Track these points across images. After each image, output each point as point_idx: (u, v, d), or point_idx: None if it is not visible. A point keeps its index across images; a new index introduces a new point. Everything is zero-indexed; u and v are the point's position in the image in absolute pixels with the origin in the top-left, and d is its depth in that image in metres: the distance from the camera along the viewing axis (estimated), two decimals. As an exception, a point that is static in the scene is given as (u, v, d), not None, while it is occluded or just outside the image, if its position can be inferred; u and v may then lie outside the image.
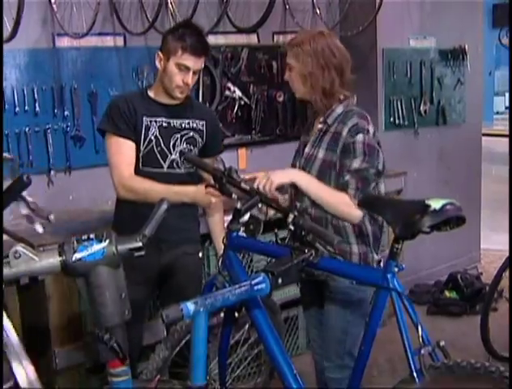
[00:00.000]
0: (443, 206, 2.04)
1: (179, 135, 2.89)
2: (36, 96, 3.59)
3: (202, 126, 2.95)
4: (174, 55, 2.76)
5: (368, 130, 2.55)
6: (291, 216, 2.33)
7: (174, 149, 2.87)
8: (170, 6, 3.96)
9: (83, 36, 3.65)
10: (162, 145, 2.85)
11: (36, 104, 3.60)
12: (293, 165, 2.77)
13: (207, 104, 4.25)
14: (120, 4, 3.85)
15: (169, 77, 2.79)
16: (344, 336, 2.67)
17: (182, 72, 2.78)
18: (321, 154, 2.61)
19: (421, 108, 5.08)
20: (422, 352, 2.04)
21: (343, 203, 2.52)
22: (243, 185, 2.56)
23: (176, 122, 2.88)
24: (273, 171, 2.58)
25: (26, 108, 3.57)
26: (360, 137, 2.51)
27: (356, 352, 2.41)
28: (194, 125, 2.93)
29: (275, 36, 4.60)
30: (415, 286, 5.03)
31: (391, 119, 4.91)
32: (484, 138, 5.89)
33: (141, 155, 2.84)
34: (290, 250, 2.17)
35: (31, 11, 3.47)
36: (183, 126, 2.90)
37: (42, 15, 3.64)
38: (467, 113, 5.44)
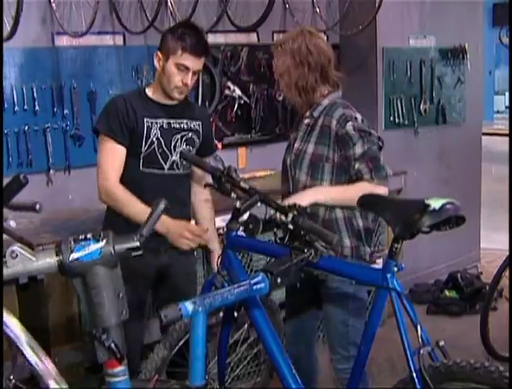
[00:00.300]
0: (443, 205, 2.04)
1: (179, 136, 2.86)
2: (35, 94, 3.60)
3: (199, 126, 2.93)
4: (174, 55, 2.72)
5: (355, 117, 2.63)
6: (290, 216, 2.33)
7: (175, 150, 2.84)
8: (170, 4, 3.95)
9: (83, 35, 3.65)
10: (164, 146, 2.82)
11: (36, 103, 3.60)
12: (284, 161, 2.83)
13: (207, 104, 4.25)
14: (119, 3, 3.85)
15: (168, 77, 2.75)
16: (346, 328, 2.72)
17: (182, 72, 2.73)
18: (310, 148, 2.69)
19: (421, 107, 5.07)
20: (421, 352, 2.03)
21: (365, 192, 2.48)
22: (242, 184, 2.55)
23: (175, 123, 2.85)
24: (287, 199, 2.60)
25: (25, 107, 3.58)
26: (349, 125, 2.59)
27: (360, 341, 2.44)
28: (192, 125, 2.91)
29: (275, 35, 4.59)
30: (414, 285, 5.02)
31: (391, 118, 4.90)
32: (484, 137, 5.88)
33: (142, 156, 2.79)
34: (289, 249, 2.16)
35: (30, 10, 3.47)
36: (182, 126, 2.88)
37: (41, 14, 3.64)
38: (467, 112, 5.43)
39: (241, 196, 2.54)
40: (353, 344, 2.67)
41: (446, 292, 4.86)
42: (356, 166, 2.59)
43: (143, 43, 3.98)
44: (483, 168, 5.78)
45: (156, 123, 2.80)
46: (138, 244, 1.53)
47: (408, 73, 4.97)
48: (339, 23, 4.59)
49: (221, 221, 3.35)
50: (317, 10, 4.65)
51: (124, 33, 3.89)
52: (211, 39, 4.23)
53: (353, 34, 4.45)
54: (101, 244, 1.47)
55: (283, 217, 2.33)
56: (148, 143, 2.78)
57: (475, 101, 5.51)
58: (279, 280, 1.96)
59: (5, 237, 2.88)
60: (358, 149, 2.58)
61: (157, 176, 2.82)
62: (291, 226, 2.32)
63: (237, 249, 2.60)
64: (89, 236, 1.49)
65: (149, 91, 2.86)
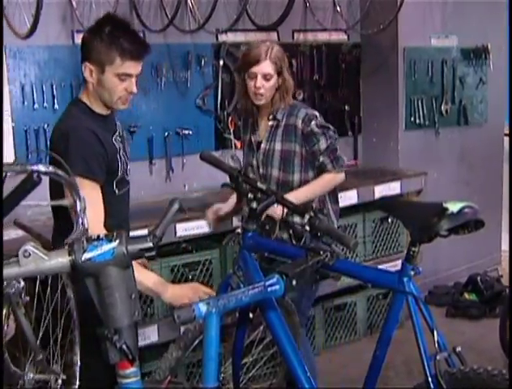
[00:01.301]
0: (461, 209, 2.01)
1: (126, 142, 2.70)
2: (54, 92, 3.61)
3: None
4: (111, 65, 2.41)
5: (316, 116, 3.02)
6: (307, 217, 2.31)
7: (128, 156, 2.65)
8: (190, 2, 3.94)
9: (103, 33, 3.65)
10: (126, 159, 2.61)
11: (55, 101, 3.61)
12: (250, 163, 3.13)
13: (226, 102, 4.23)
14: (139, 1, 3.85)
15: (109, 90, 2.45)
16: (301, 297, 2.95)
17: (124, 81, 2.44)
18: (278, 146, 3.03)
19: (442, 107, 5.01)
20: (438, 357, 2.01)
21: (328, 181, 3.02)
22: (259, 184, 2.55)
23: (120, 130, 2.65)
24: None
25: (45, 104, 3.59)
26: (313, 123, 2.98)
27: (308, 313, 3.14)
28: (119, 124, 2.70)
29: (295, 34, 4.58)
30: (434, 287, 4.97)
31: (412, 118, 4.85)
32: (506, 138, 5.81)
33: (116, 180, 2.53)
34: (305, 251, 2.14)
35: (50, 8, 3.48)
36: (121, 130, 2.67)
37: (62, 12, 3.66)
38: (489, 113, 5.36)
39: (258, 196, 2.53)
40: (302, 313, 3.01)
41: (466, 295, 4.81)
42: (321, 159, 2.98)
43: (163, 41, 3.98)
44: (505, 170, 5.71)
45: (117, 139, 2.58)
46: (151, 244, 1.51)
47: (430, 73, 4.91)
48: (360, 23, 4.56)
49: (238, 221, 3.35)
50: (338, 8, 4.62)
51: (144, 31, 3.87)
52: (231, 37, 4.23)
53: (374, 33, 4.41)
54: (114, 244, 1.46)
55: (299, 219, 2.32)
56: (121, 163, 2.57)
57: (497, 102, 5.43)
58: (294, 282, 1.95)
59: (22, 233, 2.89)
60: (322, 144, 2.97)
61: (126, 192, 2.65)
62: (307, 227, 2.31)
63: (253, 249, 2.59)
64: (102, 236, 1.48)
65: (91, 105, 2.54)
